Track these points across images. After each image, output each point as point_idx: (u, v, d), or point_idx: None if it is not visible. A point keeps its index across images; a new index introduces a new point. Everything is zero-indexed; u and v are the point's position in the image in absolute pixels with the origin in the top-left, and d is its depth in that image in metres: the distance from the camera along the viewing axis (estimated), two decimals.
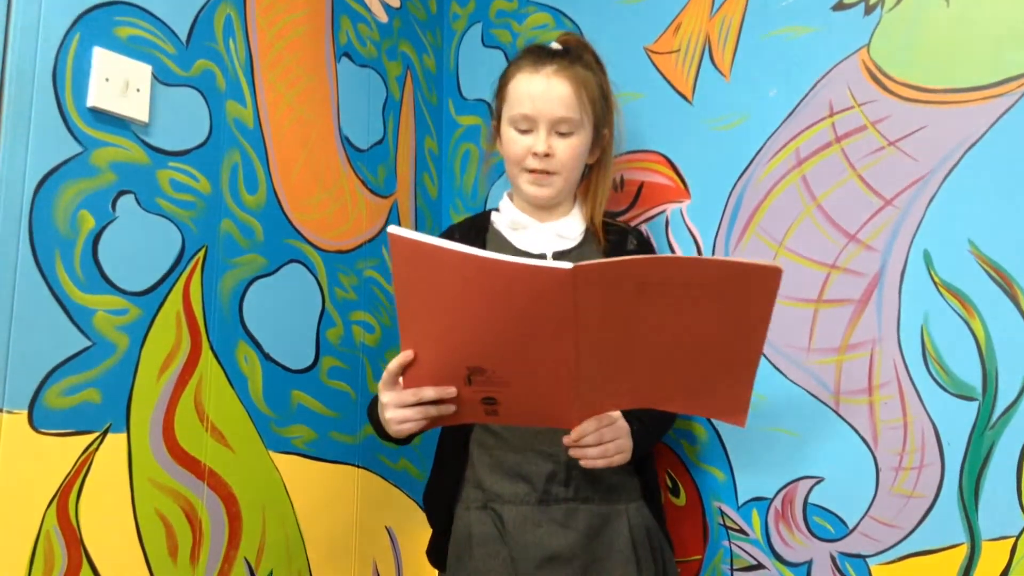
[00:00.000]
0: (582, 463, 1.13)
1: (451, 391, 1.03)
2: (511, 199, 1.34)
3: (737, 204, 1.37)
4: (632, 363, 1.00)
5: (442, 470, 1.31)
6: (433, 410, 1.06)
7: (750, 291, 0.93)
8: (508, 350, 0.99)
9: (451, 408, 1.05)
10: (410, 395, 1.05)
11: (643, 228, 1.44)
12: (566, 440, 1.12)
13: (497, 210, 1.35)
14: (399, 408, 1.06)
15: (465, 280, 0.94)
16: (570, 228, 1.30)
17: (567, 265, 0.90)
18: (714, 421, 1.36)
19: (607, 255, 1.28)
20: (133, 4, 1.21)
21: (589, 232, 1.31)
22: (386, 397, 1.08)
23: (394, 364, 1.04)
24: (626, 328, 0.96)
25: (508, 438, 1.24)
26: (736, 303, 0.94)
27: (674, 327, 0.96)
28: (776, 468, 1.29)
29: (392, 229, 0.94)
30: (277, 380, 1.36)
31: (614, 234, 1.33)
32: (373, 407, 1.23)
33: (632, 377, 1.02)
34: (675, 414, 1.31)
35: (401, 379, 1.06)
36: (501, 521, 1.20)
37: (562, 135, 1.26)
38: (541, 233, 1.29)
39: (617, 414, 1.15)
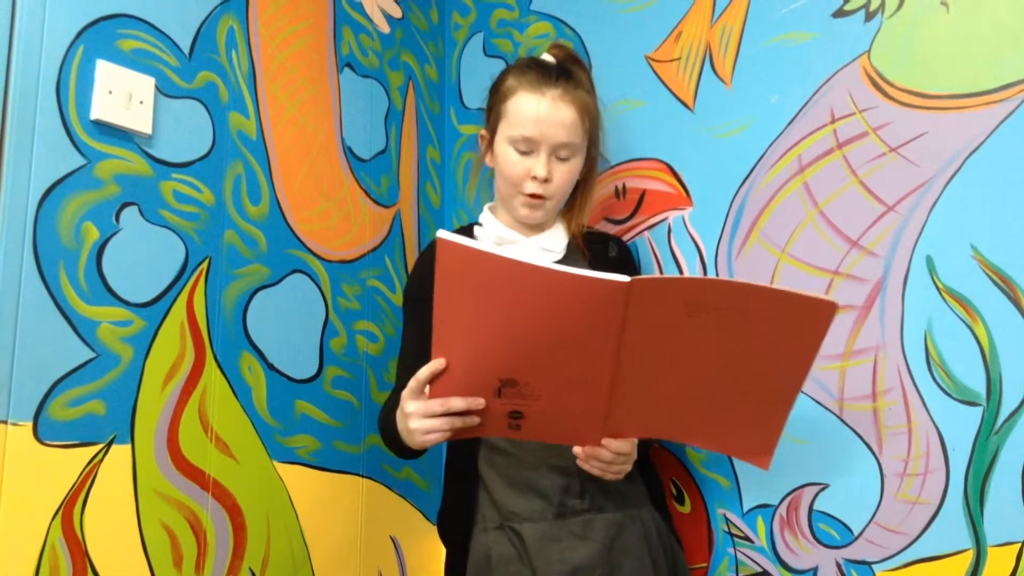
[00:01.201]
0: (579, 463, 1.11)
1: (480, 402, 1.00)
2: (493, 213, 1.34)
3: (739, 211, 1.37)
4: (668, 388, 0.98)
5: (454, 492, 1.29)
6: (459, 421, 1.02)
7: (800, 324, 0.91)
8: (546, 363, 0.96)
9: (475, 420, 1.02)
10: (437, 405, 1.01)
11: (647, 235, 1.45)
12: (602, 442, 1.07)
13: (479, 224, 1.34)
14: (425, 418, 1.03)
15: (514, 289, 0.92)
16: (554, 242, 1.31)
17: (624, 278, 0.89)
18: None
19: (591, 264, 1.29)
20: (136, 17, 1.22)
21: (572, 244, 1.32)
22: (411, 406, 1.04)
23: (424, 372, 1.00)
24: (669, 350, 0.94)
25: (519, 455, 1.23)
26: (783, 335, 0.92)
27: (716, 354, 0.94)
28: (781, 475, 1.29)
29: (441, 233, 0.92)
30: (281, 390, 1.36)
31: (596, 243, 1.34)
32: (387, 416, 1.21)
33: (666, 404, 1.00)
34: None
35: (427, 388, 1.02)
36: (520, 540, 1.19)
37: (561, 159, 1.26)
38: (527, 248, 1.30)
39: (634, 449, 1.12)
